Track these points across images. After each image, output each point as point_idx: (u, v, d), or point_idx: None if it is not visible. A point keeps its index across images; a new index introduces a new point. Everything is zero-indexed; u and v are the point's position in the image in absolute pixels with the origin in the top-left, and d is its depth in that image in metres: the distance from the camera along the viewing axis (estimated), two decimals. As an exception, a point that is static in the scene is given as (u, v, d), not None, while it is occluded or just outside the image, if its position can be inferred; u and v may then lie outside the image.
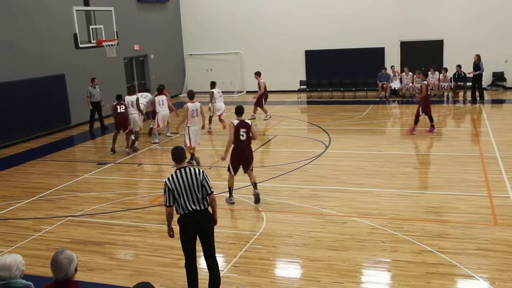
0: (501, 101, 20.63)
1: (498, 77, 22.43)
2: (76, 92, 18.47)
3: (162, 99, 15.12)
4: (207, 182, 6.04)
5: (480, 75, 19.76)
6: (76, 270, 4.03)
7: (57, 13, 17.42)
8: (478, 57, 19.88)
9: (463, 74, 20.55)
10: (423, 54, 22.73)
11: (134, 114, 14.44)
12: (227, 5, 25.51)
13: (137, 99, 14.68)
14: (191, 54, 26.75)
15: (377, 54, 23.38)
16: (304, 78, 24.46)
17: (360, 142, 14.21)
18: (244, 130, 9.18)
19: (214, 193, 6.19)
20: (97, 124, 18.42)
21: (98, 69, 19.33)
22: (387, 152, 13.24)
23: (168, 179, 6.01)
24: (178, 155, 6.15)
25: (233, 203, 9.60)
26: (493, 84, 22.49)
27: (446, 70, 21.21)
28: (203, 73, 25.82)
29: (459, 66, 20.59)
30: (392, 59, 23.10)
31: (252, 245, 7.77)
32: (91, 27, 15.44)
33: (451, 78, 21.04)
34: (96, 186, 11.31)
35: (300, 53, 24.60)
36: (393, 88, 21.91)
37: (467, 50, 21.27)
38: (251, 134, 9.29)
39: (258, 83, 18.08)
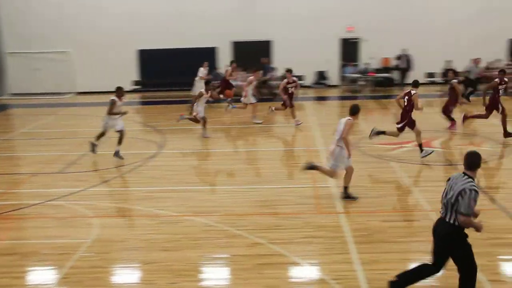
0: (323, 98, 22.47)
1: (321, 76, 24.42)
2: None
3: None
4: (463, 200, 5.26)
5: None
6: None
7: None
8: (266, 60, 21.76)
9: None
10: (254, 54, 23.64)
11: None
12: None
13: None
14: (11, 52, 24.47)
15: (211, 53, 23.78)
16: (136, 78, 23.92)
17: (195, 142, 14.29)
18: (406, 97, 12.14)
19: (468, 217, 5.34)
20: None
21: None
22: (222, 150, 13.54)
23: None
24: (468, 160, 5.49)
25: (427, 155, 11.67)
26: (317, 83, 24.42)
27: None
28: (29, 73, 23.85)
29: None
30: (225, 58, 23.66)
31: (83, 254, 7.37)
32: None
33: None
34: None
35: (132, 53, 24.02)
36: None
37: (294, 50, 22.68)
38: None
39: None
